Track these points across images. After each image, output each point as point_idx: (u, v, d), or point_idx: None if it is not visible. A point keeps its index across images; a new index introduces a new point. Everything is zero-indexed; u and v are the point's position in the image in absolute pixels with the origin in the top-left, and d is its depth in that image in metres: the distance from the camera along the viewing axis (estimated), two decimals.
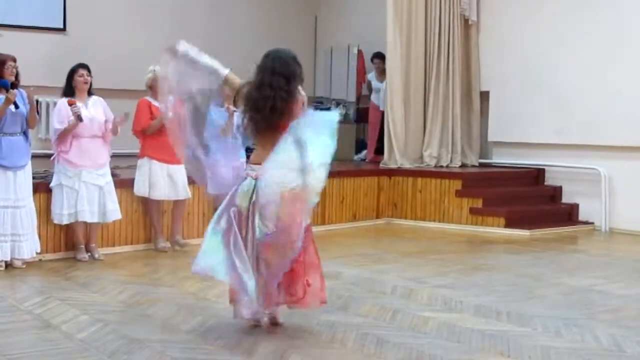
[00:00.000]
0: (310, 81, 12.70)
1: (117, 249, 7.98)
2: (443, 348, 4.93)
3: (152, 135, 7.92)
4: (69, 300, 5.99)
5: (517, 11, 11.01)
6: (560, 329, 5.38)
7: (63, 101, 7.42)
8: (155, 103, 7.99)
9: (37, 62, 10.56)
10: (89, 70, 7.55)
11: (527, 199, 10.59)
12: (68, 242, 7.64)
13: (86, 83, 7.50)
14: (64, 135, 7.36)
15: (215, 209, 5.18)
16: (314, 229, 9.50)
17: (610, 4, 10.03)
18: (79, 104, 7.37)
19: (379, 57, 11.83)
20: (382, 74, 11.68)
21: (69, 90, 7.49)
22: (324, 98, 12.98)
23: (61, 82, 7.64)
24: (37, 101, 10.78)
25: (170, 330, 5.25)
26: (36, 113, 7.41)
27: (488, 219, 9.88)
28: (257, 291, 4.92)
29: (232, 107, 8.39)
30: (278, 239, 4.86)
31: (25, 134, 7.10)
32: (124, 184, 8.01)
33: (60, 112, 7.40)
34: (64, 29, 11.43)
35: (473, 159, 11.49)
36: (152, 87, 7.99)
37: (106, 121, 7.56)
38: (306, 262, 5.10)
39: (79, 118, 7.28)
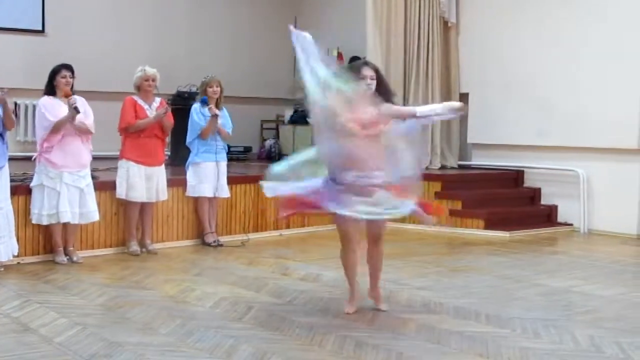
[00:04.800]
0: (290, 83, 12.70)
1: (96, 252, 7.92)
2: (422, 349, 4.94)
3: (132, 137, 7.92)
4: (48, 303, 5.95)
5: (497, 13, 11.04)
6: (539, 330, 5.41)
7: (46, 98, 7.39)
8: (140, 102, 7.99)
9: (16, 64, 10.50)
10: (72, 72, 7.50)
11: (507, 201, 10.61)
12: (47, 244, 7.59)
13: (68, 84, 7.46)
14: (57, 128, 7.26)
15: None
16: (296, 230, 9.45)
17: (590, 6, 10.07)
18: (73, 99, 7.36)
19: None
20: None
21: (51, 90, 7.44)
22: (303, 100, 12.92)
23: (40, 84, 7.59)
24: (15, 103, 10.75)
25: (149, 333, 5.23)
26: (14, 115, 7.33)
27: (467, 221, 9.90)
28: None
29: (215, 109, 8.40)
30: None
31: (1, 135, 7.03)
32: (103, 187, 7.97)
33: (48, 107, 7.33)
34: (42, 31, 11.37)
35: (452, 161, 11.53)
36: (140, 87, 7.99)
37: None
38: None
39: (76, 110, 7.25)
